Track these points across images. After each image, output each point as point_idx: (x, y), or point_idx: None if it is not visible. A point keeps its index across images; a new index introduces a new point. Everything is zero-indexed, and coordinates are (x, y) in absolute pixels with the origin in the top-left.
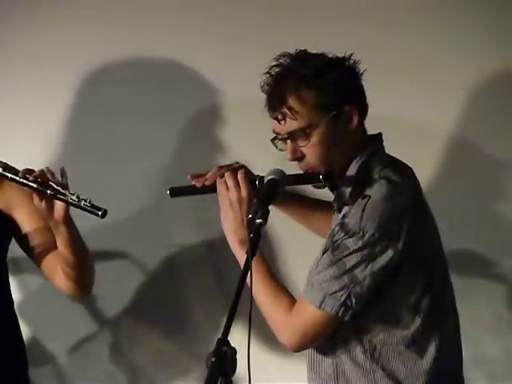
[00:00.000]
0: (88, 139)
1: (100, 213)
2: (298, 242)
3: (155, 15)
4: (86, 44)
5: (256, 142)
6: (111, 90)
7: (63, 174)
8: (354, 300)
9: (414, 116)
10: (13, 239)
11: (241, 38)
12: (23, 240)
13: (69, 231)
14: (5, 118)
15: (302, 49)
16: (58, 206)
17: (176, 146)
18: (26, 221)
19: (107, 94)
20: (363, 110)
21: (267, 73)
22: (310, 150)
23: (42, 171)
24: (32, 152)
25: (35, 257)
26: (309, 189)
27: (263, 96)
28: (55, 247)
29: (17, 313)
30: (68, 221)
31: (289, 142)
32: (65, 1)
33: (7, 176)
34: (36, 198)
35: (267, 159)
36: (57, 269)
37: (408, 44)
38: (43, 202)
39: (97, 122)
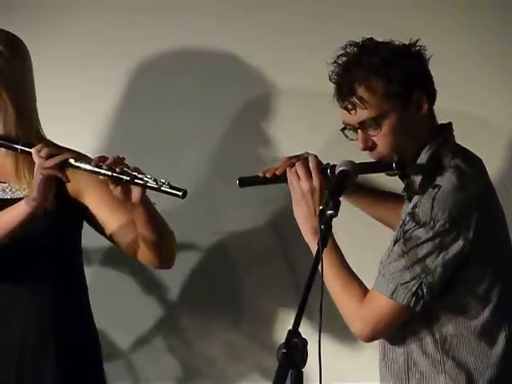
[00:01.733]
0: (138, 128)
1: (181, 193)
2: (370, 232)
3: (206, 6)
4: (139, 33)
5: (304, 134)
6: (162, 80)
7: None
8: (425, 290)
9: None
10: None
11: (293, 29)
12: (99, 226)
13: (147, 211)
14: (57, 104)
15: (369, 37)
16: (135, 189)
17: (225, 135)
18: (100, 205)
19: (158, 84)
20: (432, 96)
21: (334, 62)
22: (382, 139)
23: (115, 159)
24: (83, 139)
25: (115, 241)
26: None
27: (314, 87)
28: (133, 226)
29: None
30: (145, 201)
31: (359, 131)
32: None
33: (80, 167)
34: (111, 185)
35: (315, 150)
36: (140, 245)
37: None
38: (119, 187)
39: (148, 111)
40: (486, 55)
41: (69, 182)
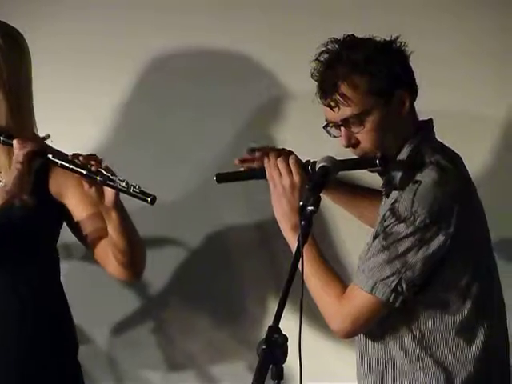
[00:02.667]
0: (140, 126)
1: (149, 199)
2: (348, 228)
3: (219, 6)
4: (146, 31)
5: (312, 136)
6: (167, 80)
7: (108, 167)
8: (404, 286)
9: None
10: (64, 225)
11: (307, 32)
12: (75, 227)
13: (119, 216)
14: (58, 102)
15: (349, 34)
16: (108, 191)
17: (234, 138)
18: (78, 207)
19: (162, 83)
20: (413, 93)
21: (316, 59)
22: (365, 135)
23: (90, 156)
24: (83, 138)
25: (88, 244)
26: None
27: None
28: (107, 234)
29: (67, 299)
30: (118, 206)
31: (343, 128)
32: None
33: (57, 162)
34: (86, 185)
35: (324, 152)
36: (109, 255)
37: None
38: (93, 188)
39: (151, 110)
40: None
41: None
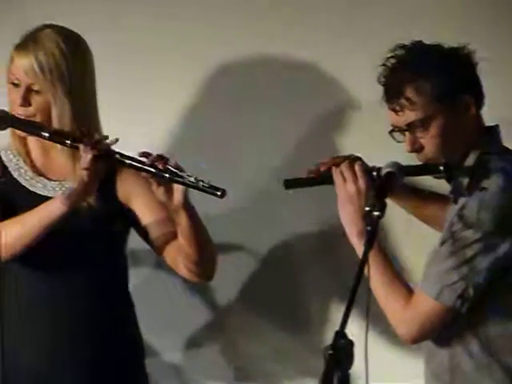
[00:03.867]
0: (206, 130)
1: (219, 193)
2: (415, 234)
3: (287, 14)
4: (217, 34)
5: (378, 143)
6: (234, 84)
7: (177, 164)
8: (471, 292)
9: None
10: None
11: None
12: (144, 231)
13: (189, 216)
14: (124, 104)
15: (417, 40)
16: (177, 191)
17: (298, 144)
18: (146, 212)
19: (229, 88)
20: (480, 100)
21: (383, 64)
22: (429, 141)
23: (157, 155)
24: (148, 140)
25: (157, 248)
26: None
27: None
28: (176, 237)
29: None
30: (187, 205)
31: (407, 133)
32: None
33: (124, 162)
34: (154, 184)
35: (386, 158)
36: (179, 257)
37: None
38: (161, 188)
39: (217, 114)
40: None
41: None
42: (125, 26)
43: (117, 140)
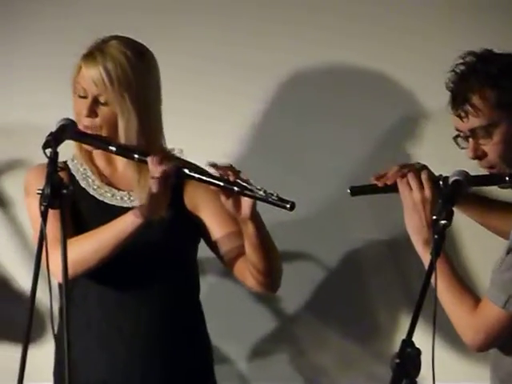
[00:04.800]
0: (276, 139)
1: (288, 205)
2: (481, 242)
3: (355, 24)
4: (283, 45)
5: (445, 152)
6: (301, 93)
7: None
8: None
9: None
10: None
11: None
12: (213, 244)
13: (256, 227)
14: (190, 113)
15: (488, 48)
16: (245, 203)
17: (362, 149)
18: (216, 224)
19: (296, 97)
20: None
21: (452, 71)
22: (492, 148)
23: (226, 168)
24: (215, 150)
25: (226, 261)
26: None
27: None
28: (243, 246)
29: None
30: (255, 217)
31: (470, 140)
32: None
33: (193, 176)
34: (223, 196)
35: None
36: (247, 269)
37: None
38: (230, 200)
39: (284, 123)
40: None
41: (173, 183)
42: (193, 36)
43: (181, 151)
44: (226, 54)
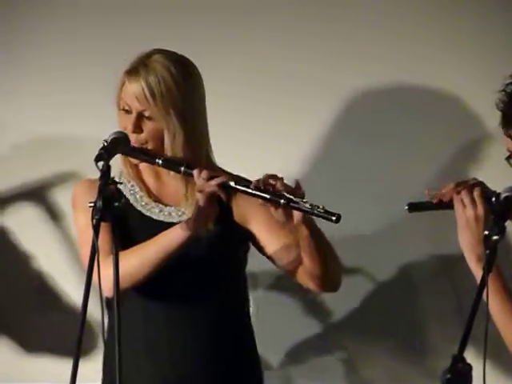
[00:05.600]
0: (330, 157)
1: (334, 217)
2: None
3: (413, 43)
4: (347, 64)
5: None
6: (363, 113)
7: (297, 185)
8: None
9: None
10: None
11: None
12: (267, 252)
13: (310, 229)
14: (262, 128)
15: None
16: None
17: (418, 165)
18: (263, 229)
19: (360, 115)
20: None
21: (502, 90)
22: None
23: (271, 177)
24: (271, 164)
25: (283, 267)
26: None
27: None
28: (295, 248)
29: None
30: (308, 221)
31: None
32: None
33: (239, 189)
34: (272, 208)
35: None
36: (300, 268)
37: None
38: (279, 210)
39: (345, 141)
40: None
41: (225, 199)
42: (254, 52)
43: (232, 176)
44: (286, 70)
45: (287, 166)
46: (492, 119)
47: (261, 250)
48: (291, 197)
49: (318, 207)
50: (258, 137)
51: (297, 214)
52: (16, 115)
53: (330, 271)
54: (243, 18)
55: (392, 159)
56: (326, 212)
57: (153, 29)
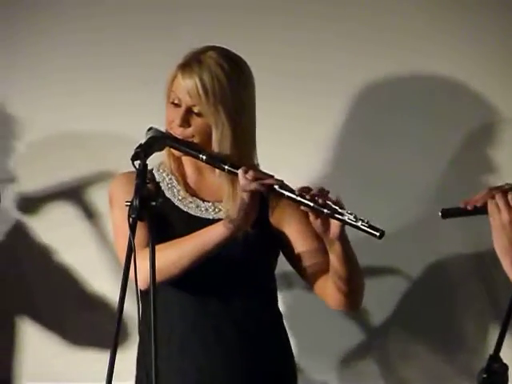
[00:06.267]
0: (354, 158)
1: (378, 233)
2: None
3: (437, 32)
4: (360, 62)
5: None
6: (378, 112)
7: (338, 199)
8: None
9: None
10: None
11: None
12: (295, 259)
13: (343, 248)
14: (276, 127)
15: None
16: (334, 224)
17: (445, 164)
18: (300, 240)
19: (375, 116)
20: None
21: None
22: None
23: (319, 190)
24: (298, 166)
25: (307, 276)
26: None
27: None
28: (328, 268)
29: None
30: (343, 238)
31: None
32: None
33: (284, 194)
34: (312, 216)
35: None
36: (329, 286)
37: None
38: (318, 220)
39: (365, 143)
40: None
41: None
42: (266, 51)
43: (277, 180)
44: (306, 69)
45: (301, 163)
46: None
47: (288, 253)
48: (336, 207)
49: (363, 220)
50: (271, 134)
51: (334, 229)
52: (50, 114)
53: (354, 290)
54: (252, 16)
55: (410, 158)
56: (371, 227)
57: (175, 28)
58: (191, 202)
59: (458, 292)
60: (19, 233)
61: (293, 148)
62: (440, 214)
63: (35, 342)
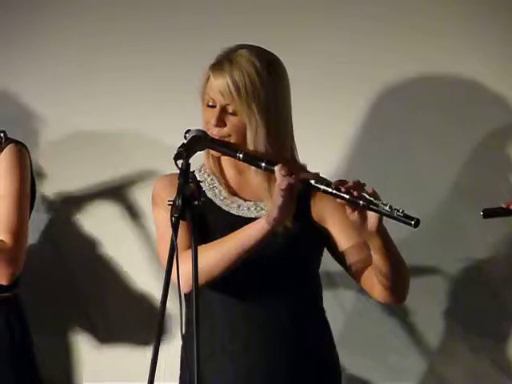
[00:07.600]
0: (380, 155)
1: (413, 222)
2: None
3: (455, 32)
4: (382, 58)
5: None
6: (406, 112)
7: (374, 190)
8: None
9: None
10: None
11: None
12: (340, 256)
13: (383, 241)
14: (301, 123)
15: None
16: (372, 217)
17: (469, 164)
18: (342, 236)
19: (402, 114)
20: None
21: None
22: None
23: (354, 183)
24: (324, 161)
25: (353, 272)
26: None
27: None
28: (371, 261)
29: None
30: (381, 231)
31: None
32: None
33: (319, 188)
34: (348, 209)
35: None
36: (374, 281)
37: None
38: (355, 213)
39: (389, 140)
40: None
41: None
42: (290, 48)
43: (312, 174)
44: (331, 67)
45: (322, 158)
46: None
47: (332, 248)
48: (371, 199)
49: (398, 210)
50: (297, 129)
51: (371, 222)
52: (83, 115)
53: (399, 283)
54: (278, 17)
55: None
56: (406, 216)
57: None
58: (233, 202)
59: (500, 289)
60: (63, 229)
61: (315, 143)
62: (482, 213)
63: (86, 345)
